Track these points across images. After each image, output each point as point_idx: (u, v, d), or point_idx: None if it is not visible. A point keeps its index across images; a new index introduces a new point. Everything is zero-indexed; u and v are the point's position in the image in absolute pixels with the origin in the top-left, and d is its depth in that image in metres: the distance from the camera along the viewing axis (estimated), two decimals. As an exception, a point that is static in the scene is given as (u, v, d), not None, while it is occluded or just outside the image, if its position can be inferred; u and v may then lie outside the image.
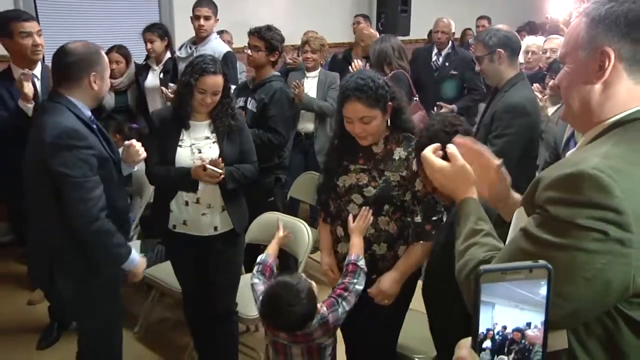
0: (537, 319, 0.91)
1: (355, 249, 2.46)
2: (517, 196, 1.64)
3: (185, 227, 3.03)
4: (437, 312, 2.28)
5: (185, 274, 3.22)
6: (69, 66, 2.47)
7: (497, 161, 1.63)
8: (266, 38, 3.86)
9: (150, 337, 3.85)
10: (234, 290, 3.19)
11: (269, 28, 3.93)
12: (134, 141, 2.76)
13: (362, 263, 2.43)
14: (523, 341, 0.93)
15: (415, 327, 2.76)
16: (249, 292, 3.22)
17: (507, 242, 1.36)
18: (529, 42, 5.00)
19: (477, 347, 0.90)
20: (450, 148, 1.63)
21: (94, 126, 2.57)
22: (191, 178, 2.88)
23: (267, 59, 3.92)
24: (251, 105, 3.91)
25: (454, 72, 5.54)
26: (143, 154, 2.76)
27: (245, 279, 3.24)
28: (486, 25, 7.30)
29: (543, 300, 0.91)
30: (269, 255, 2.69)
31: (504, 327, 0.91)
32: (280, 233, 2.85)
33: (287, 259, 4.15)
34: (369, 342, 2.67)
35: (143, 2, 6.18)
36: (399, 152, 2.51)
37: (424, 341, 2.76)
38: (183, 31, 5.15)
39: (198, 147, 2.96)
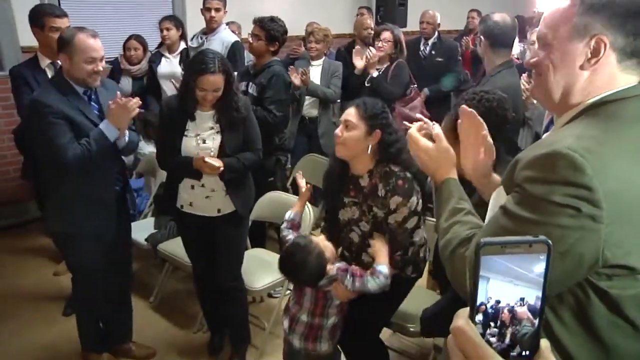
0: (530, 294, 0.86)
1: (380, 258, 2.40)
2: (496, 177, 1.63)
3: (192, 207, 2.99)
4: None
5: (192, 250, 3.19)
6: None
7: (490, 139, 1.59)
8: (267, 28, 3.80)
9: (165, 306, 3.87)
10: (238, 266, 3.13)
11: (272, 19, 3.86)
12: (117, 100, 2.72)
13: (382, 268, 2.36)
14: (514, 317, 0.88)
15: (412, 300, 2.71)
16: (255, 266, 3.24)
17: (486, 220, 1.33)
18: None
19: (474, 318, 0.86)
20: (436, 129, 1.61)
21: (87, 99, 2.78)
22: (193, 168, 2.83)
23: (267, 48, 3.87)
24: (252, 89, 3.90)
25: (440, 59, 5.51)
26: (133, 114, 2.77)
27: (249, 254, 3.22)
28: (476, 17, 7.19)
29: (537, 278, 0.86)
30: (296, 213, 2.75)
31: (498, 302, 0.86)
32: (303, 189, 2.80)
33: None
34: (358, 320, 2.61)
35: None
36: (381, 189, 2.40)
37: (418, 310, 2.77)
38: (194, 22, 5.08)
39: (203, 137, 2.88)
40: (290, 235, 2.64)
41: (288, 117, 4.34)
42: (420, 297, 2.87)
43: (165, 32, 4.66)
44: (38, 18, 3.35)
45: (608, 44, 1.18)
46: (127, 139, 2.87)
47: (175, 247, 3.54)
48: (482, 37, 3.25)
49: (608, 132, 1.16)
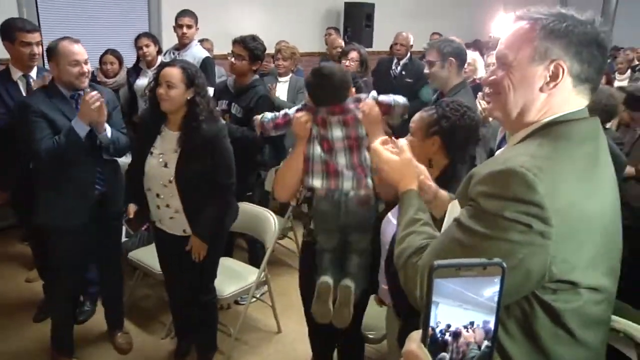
0: (479, 318, 0.84)
1: None
2: (443, 193, 1.61)
3: (161, 224, 2.88)
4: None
5: (164, 263, 3.08)
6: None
7: (421, 175, 1.56)
8: (250, 48, 3.60)
9: (134, 312, 3.72)
10: (209, 281, 3.01)
11: (253, 38, 3.68)
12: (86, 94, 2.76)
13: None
14: (460, 339, 0.84)
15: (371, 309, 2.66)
16: (223, 274, 3.13)
17: (441, 231, 1.30)
18: (470, 56, 4.95)
19: (426, 342, 0.84)
20: (401, 142, 1.57)
21: (75, 103, 2.87)
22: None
23: (249, 67, 3.66)
24: (235, 110, 3.70)
25: (409, 80, 5.45)
26: (95, 105, 2.74)
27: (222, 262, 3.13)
28: (439, 40, 7.24)
29: (486, 302, 0.83)
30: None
31: (448, 325, 0.83)
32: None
33: (255, 248, 4.04)
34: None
35: (134, 14, 6.01)
36: None
37: (378, 320, 2.73)
38: (170, 40, 4.99)
39: (165, 159, 2.70)
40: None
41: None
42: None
43: (145, 49, 4.55)
44: (9, 32, 3.25)
45: (566, 69, 1.18)
46: (109, 134, 2.87)
47: (145, 255, 3.44)
48: (452, 58, 3.21)
49: (558, 152, 1.16)
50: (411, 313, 2.09)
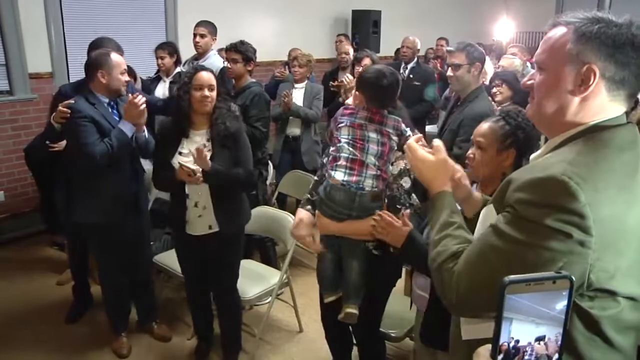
0: (550, 331, 0.81)
1: None
2: (477, 194, 1.57)
3: (188, 227, 2.83)
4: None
5: (187, 265, 3.04)
6: (86, 68, 3.01)
7: (457, 173, 1.51)
8: (242, 51, 3.78)
9: (159, 314, 3.62)
10: (232, 281, 2.97)
11: (242, 42, 3.85)
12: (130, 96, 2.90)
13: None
14: (531, 353, 0.81)
15: (390, 307, 2.60)
16: (244, 276, 3.08)
17: (476, 237, 1.25)
18: None
19: (496, 357, 0.81)
20: (436, 141, 1.50)
21: (110, 109, 2.98)
22: (177, 179, 2.70)
23: (245, 69, 3.83)
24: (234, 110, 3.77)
25: (417, 84, 5.38)
26: (141, 108, 2.89)
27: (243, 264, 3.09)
28: (444, 45, 7.20)
29: (558, 315, 0.79)
30: None
31: (517, 341, 0.81)
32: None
33: (267, 250, 4.01)
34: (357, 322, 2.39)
35: (152, 25, 5.98)
36: None
37: (398, 319, 2.71)
38: (186, 50, 4.95)
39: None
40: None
41: (269, 133, 4.22)
42: (400, 302, 2.78)
43: (160, 61, 4.55)
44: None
45: (598, 73, 1.13)
46: (146, 134, 3.01)
47: (169, 259, 3.40)
48: (479, 62, 3.14)
49: (598, 161, 1.11)
50: (432, 307, 2.06)
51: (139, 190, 3.12)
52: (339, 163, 2.22)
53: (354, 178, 2.20)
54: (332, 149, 2.30)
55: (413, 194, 2.33)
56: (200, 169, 2.62)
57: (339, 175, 2.20)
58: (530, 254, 1.06)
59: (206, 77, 2.69)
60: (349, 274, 2.32)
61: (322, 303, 2.55)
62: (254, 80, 3.95)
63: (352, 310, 2.28)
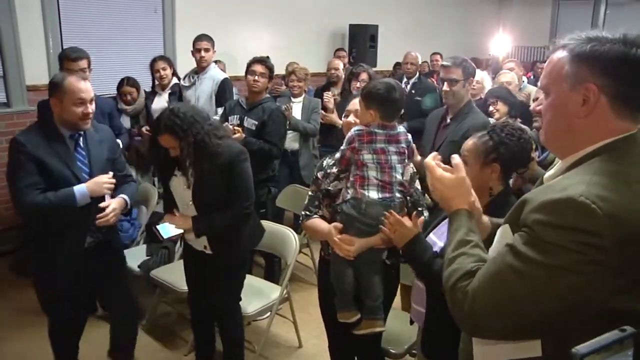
0: None
1: None
2: (485, 218, 1.55)
3: (187, 236, 2.81)
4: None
5: (189, 275, 3.00)
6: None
7: (471, 197, 1.47)
8: (269, 66, 3.83)
9: (156, 329, 3.63)
10: (232, 298, 2.90)
11: (268, 58, 3.89)
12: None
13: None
14: None
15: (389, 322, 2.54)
16: (244, 292, 3.04)
17: (492, 256, 1.23)
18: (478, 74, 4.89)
19: None
20: (456, 159, 1.47)
21: (74, 144, 2.53)
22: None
23: (267, 85, 3.89)
24: (248, 124, 3.84)
25: (418, 99, 5.38)
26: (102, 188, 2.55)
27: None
28: (439, 60, 7.21)
29: None
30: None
31: None
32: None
33: (272, 264, 3.98)
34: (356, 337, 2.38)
35: (149, 39, 5.97)
36: None
37: (396, 336, 2.68)
38: (183, 64, 4.95)
39: (187, 182, 2.66)
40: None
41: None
42: (398, 318, 2.75)
43: (162, 72, 4.51)
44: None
45: (597, 92, 1.13)
46: (129, 204, 2.76)
47: (166, 273, 3.36)
48: (472, 77, 3.22)
49: (616, 180, 1.10)
50: (429, 318, 2.04)
51: (102, 239, 2.66)
52: (370, 182, 2.25)
53: (387, 194, 2.25)
54: (356, 171, 2.28)
55: (426, 194, 2.39)
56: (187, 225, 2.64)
57: (374, 194, 2.24)
58: (550, 274, 1.06)
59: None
60: (372, 288, 2.31)
61: (328, 319, 2.52)
62: (268, 95, 4.00)
63: (381, 328, 2.33)
